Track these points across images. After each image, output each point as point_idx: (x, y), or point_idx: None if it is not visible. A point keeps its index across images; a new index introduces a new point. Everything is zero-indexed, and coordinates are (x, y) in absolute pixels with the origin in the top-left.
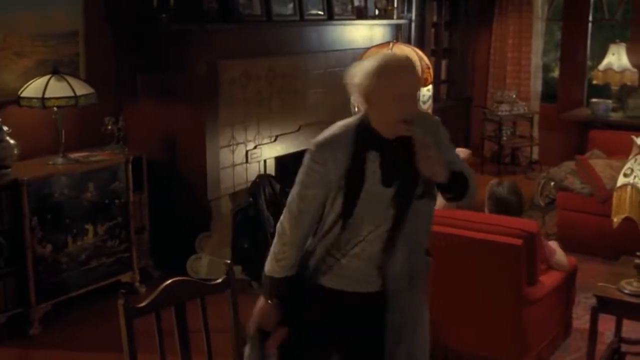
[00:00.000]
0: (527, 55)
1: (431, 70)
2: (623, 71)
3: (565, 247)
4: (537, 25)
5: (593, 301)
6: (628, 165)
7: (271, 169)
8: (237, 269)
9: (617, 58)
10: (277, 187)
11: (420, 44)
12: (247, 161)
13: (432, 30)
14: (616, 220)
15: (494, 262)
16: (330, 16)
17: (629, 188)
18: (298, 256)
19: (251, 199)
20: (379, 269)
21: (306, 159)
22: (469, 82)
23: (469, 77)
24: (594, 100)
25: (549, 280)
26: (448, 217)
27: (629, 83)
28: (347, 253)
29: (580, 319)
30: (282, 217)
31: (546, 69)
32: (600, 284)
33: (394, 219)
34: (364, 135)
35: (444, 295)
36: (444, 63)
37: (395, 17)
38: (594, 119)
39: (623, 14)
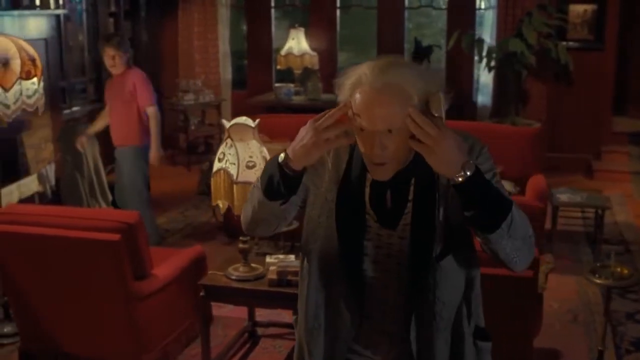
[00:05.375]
0: (214, 42)
1: (38, 62)
2: (303, 55)
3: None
4: (221, 12)
5: None
6: (221, 150)
7: None
8: None
9: (297, 42)
10: None
11: (95, 35)
12: None
13: (111, 20)
14: (221, 205)
15: (93, 261)
16: None
17: (222, 173)
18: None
19: None
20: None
21: None
22: (158, 72)
23: (159, 67)
24: (277, 84)
25: (165, 271)
26: (25, 213)
27: (309, 66)
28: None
29: (226, 307)
30: None
31: (241, 56)
32: (211, 271)
33: (410, 284)
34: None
35: (51, 300)
36: None
37: (52, 6)
38: (277, 103)
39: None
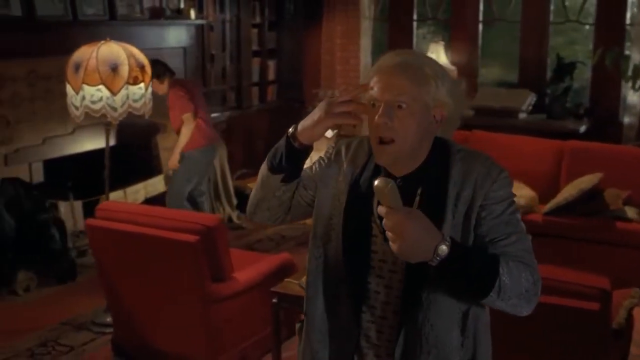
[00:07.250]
0: (356, 54)
1: (147, 69)
2: None
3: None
4: (364, 24)
5: None
6: None
7: (38, 173)
8: None
9: (435, 56)
10: (22, 190)
11: (237, 45)
12: (6, 164)
13: (255, 30)
14: None
15: (172, 260)
16: (113, 17)
17: None
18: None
19: None
20: None
21: None
22: (301, 82)
23: (301, 77)
24: None
25: (246, 275)
26: (119, 210)
27: None
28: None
29: None
30: None
31: None
32: (286, 279)
33: (402, 299)
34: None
35: (137, 295)
36: (271, 64)
37: (193, 17)
38: None
39: (444, 13)
